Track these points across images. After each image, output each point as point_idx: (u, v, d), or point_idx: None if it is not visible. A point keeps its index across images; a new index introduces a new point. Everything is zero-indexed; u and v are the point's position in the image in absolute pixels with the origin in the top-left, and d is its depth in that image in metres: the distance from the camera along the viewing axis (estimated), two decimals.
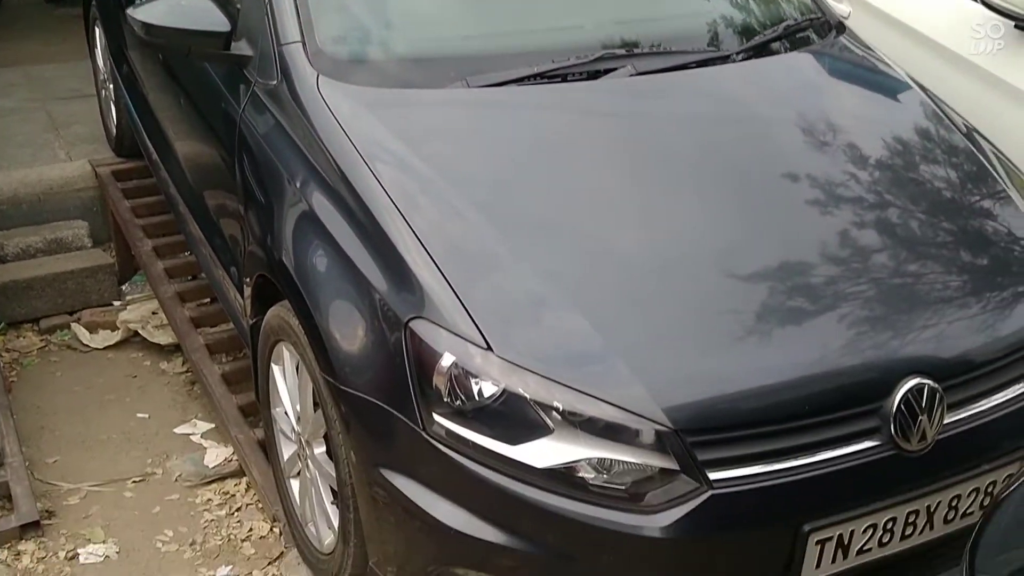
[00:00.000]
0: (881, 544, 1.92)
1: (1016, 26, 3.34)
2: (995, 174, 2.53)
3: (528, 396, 1.78)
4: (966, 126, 2.71)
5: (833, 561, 1.88)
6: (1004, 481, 2.02)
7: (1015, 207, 2.43)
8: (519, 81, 2.36)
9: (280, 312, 2.28)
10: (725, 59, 2.59)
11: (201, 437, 3.13)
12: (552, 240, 2.05)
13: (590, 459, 1.78)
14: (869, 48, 2.90)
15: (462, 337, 1.83)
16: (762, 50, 2.66)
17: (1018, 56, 3.37)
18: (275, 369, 2.44)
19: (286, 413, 2.41)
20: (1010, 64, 3.38)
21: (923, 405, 1.90)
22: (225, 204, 2.73)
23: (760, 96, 2.57)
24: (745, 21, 2.78)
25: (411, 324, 1.88)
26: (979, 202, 2.46)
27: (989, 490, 2.01)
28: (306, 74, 2.33)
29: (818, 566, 1.87)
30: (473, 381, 1.81)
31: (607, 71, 2.44)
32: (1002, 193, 2.47)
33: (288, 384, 2.38)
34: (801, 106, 2.59)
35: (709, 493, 1.77)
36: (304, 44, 2.38)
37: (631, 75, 2.44)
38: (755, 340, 1.95)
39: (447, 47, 2.50)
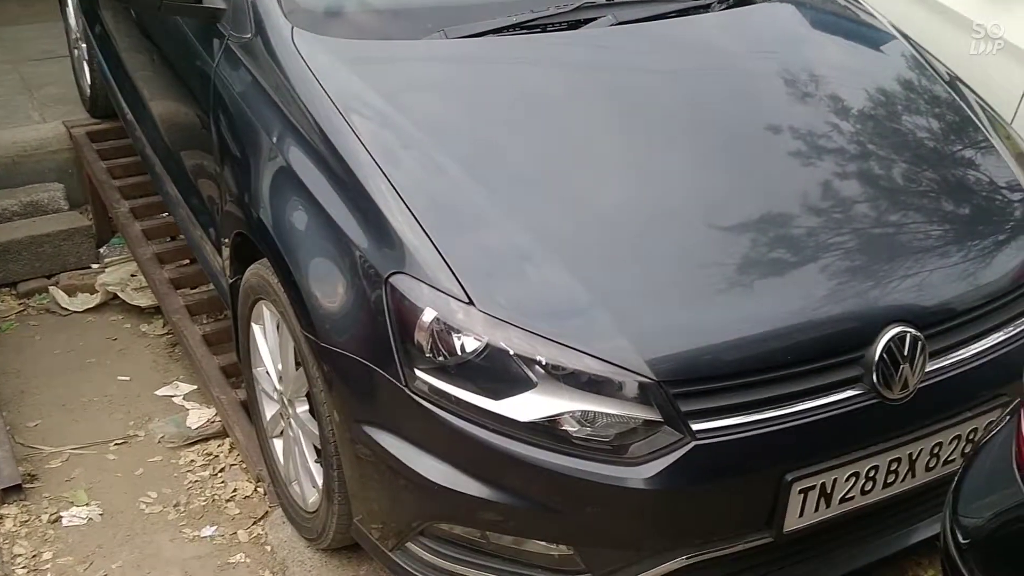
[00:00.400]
0: (863, 492, 1.93)
1: None
2: (978, 123, 2.52)
3: (511, 350, 1.77)
4: (949, 75, 2.69)
5: (816, 510, 1.89)
6: (985, 428, 2.04)
7: (997, 156, 2.43)
8: (498, 31, 2.32)
9: (259, 271, 2.25)
10: (706, 8, 2.55)
11: (183, 399, 3.11)
12: (533, 193, 2.03)
13: (574, 412, 1.77)
14: None
15: (444, 292, 1.81)
16: None
17: (1002, 5, 3.35)
18: (256, 329, 2.41)
19: (268, 373, 2.40)
20: (986, 9, 3.36)
21: (905, 353, 1.90)
22: (201, 163, 2.69)
23: (742, 46, 2.54)
24: None
25: (392, 280, 1.86)
26: (961, 152, 2.45)
27: (970, 437, 2.03)
28: (281, 27, 2.29)
29: (801, 515, 1.88)
30: (455, 336, 1.80)
31: (587, 21, 2.41)
32: (984, 143, 2.46)
33: (269, 343, 2.36)
34: (783, 56, 2.56)
35: (692, 444, 1.78)
36: None
37: (612, 24, 2.41)
38: (738, 291, 1.94)
39: None
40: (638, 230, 2.01)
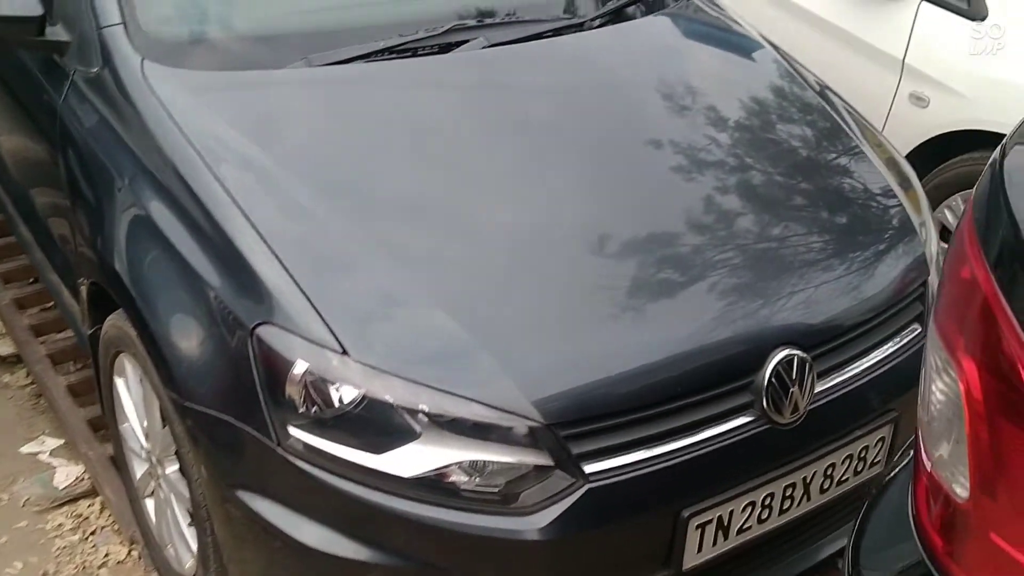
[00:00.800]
0: (760, 521, 1.90)
1: None
2: (849, 131, 2.53)
3: (391, 401, 1.67)
4: (819, 84, 2.71)
5: (714, 544, 1.85)
6: (876, 445, 2.03)
7: (869, 163, 2.44)
8: (365, 58, 2.21)
9: (118, 321, 2.09)
10: (580, 26, 2.49)
11: (50, 455, 2.89)
12: (408, 230, 1.93)
13: (461, 462, 1.68)
14: (721, 8, 2.86)
15: (315, 342, 1.70)
16: (617, 15, 2.58)
17: (862, 9, 3.41)
18: (118, 382, 2.25)
19: (134, 429, 2.24)
20: (855, 16, 3.43)
21: (793, 376, 1.87)
22: (54, 203, 2.50)
23: (618, 64, 2.49)
24: None
25: (258, 331, 1.73)
26: (836, 160, 2.45)
27: (862, 455, 2.01)
28: (129, 59, 2.13)
29: (700, 550, 1.83)
30: (330, 387, 1.69)
31: (459, 43, 2.32)
32: (856, 149, 2.47)
33: (133, 398, 2.20)
34: (660, 72, 2.53)
35: (586, 487, 1.70)
36: (126, 25, 2.17)
37: (484, 47, 2.33)
38: (625, 321, 1.89)
39: (285, 23, 2.32)
40: (519, 260, 1.93)
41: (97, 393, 2.45)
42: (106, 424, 2.63)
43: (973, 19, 3.16)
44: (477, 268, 1.89)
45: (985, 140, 3.15)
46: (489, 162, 2.12)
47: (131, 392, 2.20)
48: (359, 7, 2.40)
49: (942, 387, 1.08)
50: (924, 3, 3.26)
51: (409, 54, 2.26)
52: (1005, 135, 3.02)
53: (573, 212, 2.06)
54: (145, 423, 2.15)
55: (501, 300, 1.84)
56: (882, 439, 2.04)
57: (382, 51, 2.23)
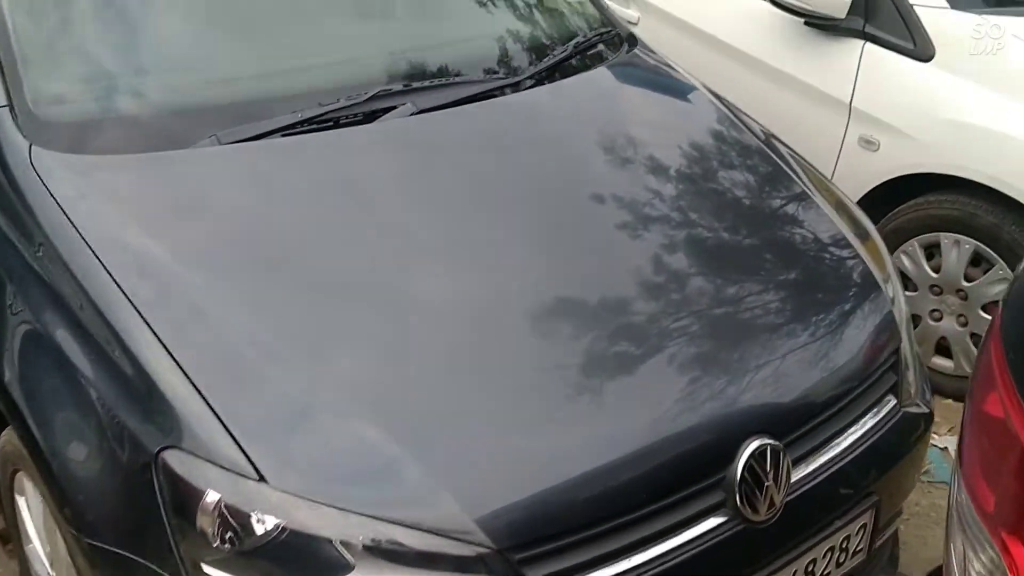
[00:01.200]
0: None
1: (806, 23, 3.29)
2: (796, 178, 2.41)
3: (318, 532, 1.47)
4: (764, 132, 2.58)
5: None
6: (858, 534, 1.87)
7: (818, 209, 2.31)
8: (280, 131, 2.01)
9: (13, 438, 1.86)
10: (515, 86, 2.32)
11: None
12: (330, 329, 1.71)
13: None
14: (662, 59, 2.72)
15: (228, 468, 1.49)
16: (554, 72, 2.42)
17: (805, 52, 3.32)
18: (20, 501, 2.01)
19: (39, 554, 1.99)
20: (798, 61, 3.33)
21: (767, 468, 1.70)
22: None
23: (557, 124, 2.32)
24: (533, 43, 2.53)
25: (163, 456, 1.52)
26: (786, 209, 2.33)
27: (844, 546, 1.85)
28: (16, 146, 1.91)
29: None
30: (247, 517, 1.48)
31: (385, 111, 2.13)
32: (803, 195, 2.35)
33: (34, 520, 1.96)
34: (603, 130, 2.36)
35: None
36: (12, 108, 1.95)
37: (412, 114, 2.14)
38: (578, 415, 1.70)
39: (192, 97, 2.10)
40: (453, 350, 1.72)
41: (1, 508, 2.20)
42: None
43: (919, 59, 3.07)
44: (408, 367, 1.68)
45: (938, 183, 3.05)
46: (420, 244, 1.91)
47: (33, 513, 1.96)
48: (272, 76, 2.19)
49: (980, 569, 0.88)
50: (868, 44, 3.17)
51: (330, 124, 2.07)
52: (960, 177, 2.96)
53: (515, 291, 1.87)
54: (48, 548, 1.92)
55: (435, 399, 1.64)
56: (864, 526, 1.88)
57: (300, 123, 2.03)
